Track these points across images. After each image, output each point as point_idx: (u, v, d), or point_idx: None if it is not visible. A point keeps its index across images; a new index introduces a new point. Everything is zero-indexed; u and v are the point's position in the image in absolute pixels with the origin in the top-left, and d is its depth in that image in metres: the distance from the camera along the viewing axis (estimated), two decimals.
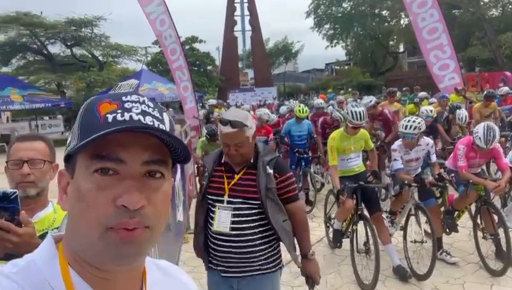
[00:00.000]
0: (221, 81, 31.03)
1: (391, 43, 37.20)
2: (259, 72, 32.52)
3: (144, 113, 0.62)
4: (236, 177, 2.14)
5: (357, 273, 3.94)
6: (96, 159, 0.59)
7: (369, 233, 3.87)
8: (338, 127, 6.75)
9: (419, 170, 4.58)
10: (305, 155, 6.53)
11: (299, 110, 6.61)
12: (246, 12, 32.93)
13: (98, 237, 0.59)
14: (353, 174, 4.28)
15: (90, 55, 25.08)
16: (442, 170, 4.48)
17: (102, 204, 0.58)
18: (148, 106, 0.64)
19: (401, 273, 3.89)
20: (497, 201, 4.62)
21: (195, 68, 30.58)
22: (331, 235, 4.71)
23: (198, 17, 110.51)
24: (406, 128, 4.13)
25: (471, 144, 4.08)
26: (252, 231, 2.10)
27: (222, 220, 2.09)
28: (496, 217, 4.00)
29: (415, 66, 35.83)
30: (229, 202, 2.11)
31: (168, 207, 0.66)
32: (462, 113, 6.47)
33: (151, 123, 0.61)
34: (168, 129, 0.63)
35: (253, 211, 2.10)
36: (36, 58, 25.14)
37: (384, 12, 35.47)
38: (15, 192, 1.17)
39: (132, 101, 0.63)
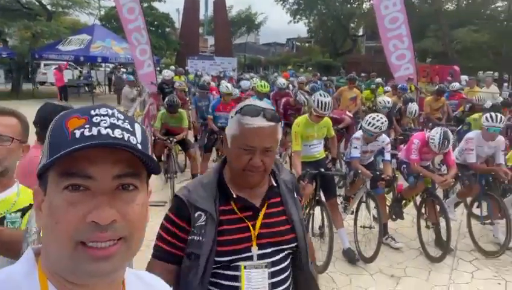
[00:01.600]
0: (180, 46, 29.91)
1: (352, 25, 37.72)
2: (220, 40, 31.71)
3: (112, 126, 0.62)
4: (261, 214, 1.37)
5: None
6: (65, 176, 0.60)
7: (325, 218, 4.06)
8: (300, 109, 6.85)
9: (372, 159, 4.82)
10: None
11: (261, 86, 6.75)
12: None
13: (68, 253, 0.59)
14: (314, 160, 4.42)
15: (37, 3, 22.85)
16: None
17: (73, 220, 0.59)
18: (118, 118, 0.64)
19: (350, 256, 4.15)
20: (439, 193, 5.00)
21: (153, 29, 29.08)
22: None
23: None
24: (368, 125, 4.23)
25: (426, 141, 4.33)
26: None
27: (255, 285, 1.32)
28: (438, 208, 4.36)
29: (372, 50, 36.77)
30: (261, 256, 1.35)
31: (145, 218, 0.67)
32: (413, 107, 6.84)
33: (120, 136, 0.61)
34: (139, 140, 0.64)
35: (287, 263, 1.41)
36: None
37: None
38: None
39: (100, 115, 0.63)
